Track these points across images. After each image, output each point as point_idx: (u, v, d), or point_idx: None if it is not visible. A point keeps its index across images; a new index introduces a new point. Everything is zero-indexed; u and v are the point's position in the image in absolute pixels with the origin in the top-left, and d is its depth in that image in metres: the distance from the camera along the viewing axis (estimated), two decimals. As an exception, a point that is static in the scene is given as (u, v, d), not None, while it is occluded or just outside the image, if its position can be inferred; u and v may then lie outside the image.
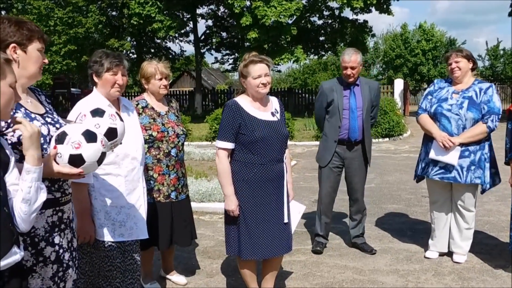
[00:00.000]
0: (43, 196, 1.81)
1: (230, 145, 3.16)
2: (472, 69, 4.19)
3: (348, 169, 4.57)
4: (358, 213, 4.68)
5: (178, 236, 3.65)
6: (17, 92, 1.78)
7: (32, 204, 1.75)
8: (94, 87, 2.96)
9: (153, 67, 3.56)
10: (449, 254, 4.36)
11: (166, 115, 3.63)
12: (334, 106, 4.46)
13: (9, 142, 1.90)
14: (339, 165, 4.56)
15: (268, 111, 3.25)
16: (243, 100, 3.21)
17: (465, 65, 4.12)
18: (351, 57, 4.36)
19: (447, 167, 4.05)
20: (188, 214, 3.79)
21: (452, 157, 3.98)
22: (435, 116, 4.14)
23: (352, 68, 4.37)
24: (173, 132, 3.58)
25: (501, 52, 33.54)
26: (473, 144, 4.01)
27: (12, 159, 1.76)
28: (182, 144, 3.68)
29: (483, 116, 4.01)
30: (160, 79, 3.56)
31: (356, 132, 4.45)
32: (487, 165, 4.06)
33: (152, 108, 3.59)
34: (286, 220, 3.27)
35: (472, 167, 4.01)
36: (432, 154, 4.07)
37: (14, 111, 1.92)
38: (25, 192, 1.73)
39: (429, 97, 4.28)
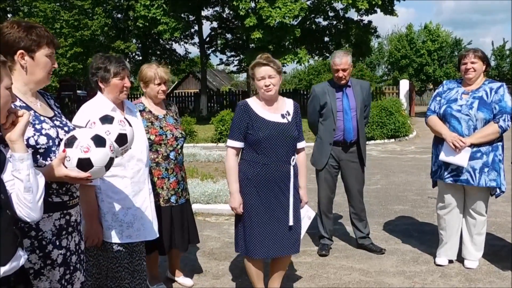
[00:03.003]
0: (42, 180, 1.80)
1: (238, 144, 3.22)
2: (485, 71, 4.10)
3: (345, 170, 4.58)
4: (358, 215, 4.67)
5: (177, 240, 3.62)
6: (13, 93, 1.78)
7: (35, 191, 1.74)
8: (99, 91, 2.97)
9: (153, 71, 3.50)
10: (459, 259, 4.28)
11: (164, 118, 3.60)
12: (328, 109, 4.47)
13: None
14: (335, 166, 4.58)
15: (278, 113, 3.27)
16: (253, 101, 3.28)
17: (480, 67, 4.02)
18: (342, 59, 4.37)
19: (459, 169, 3.95)
20: (188, 218, 3.74)
21: (462, 159, 3.87)
22: (444, 118, 4.06)
23: (344, 70, 4.38)
24: (171, 135, 3.55)
25: (507, 52, 33.39)
26: (485, 145, 3.91)
27: (7, 157, 1.75)
28: (181, 147, 3.66)
29: (494, 116, 3.91)
30: (159, 84, 3.51)
31: (351, 133, 4.47)
32: (502, 166, 3.96)
33: (150, 111, 3.55)
34: (291, 223, 3.26)
35: (486, 169, 3.90)
36: (442, 156, 3.98)
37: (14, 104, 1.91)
38: (25, 180, 1.71)
39: (438, 98, 4.20)
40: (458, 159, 3.90)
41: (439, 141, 4.11)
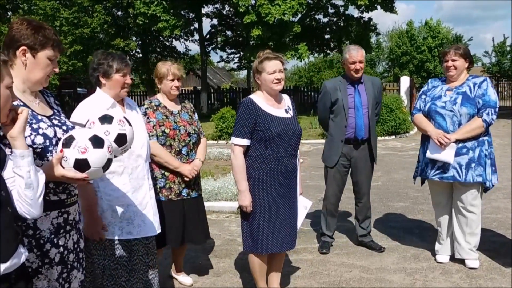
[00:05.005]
0: (42, 177, 1.80)
1: (245, 142, 3.21)
2: (468, 68, 4.10)
3: (355, 168, 4.54)
4: (364, 212, 4.66)
5: (191, 234, 3.66)
6: (13, 92, 1.78)
7: (35, 188, 1.74)
8: (98, 87, 2.97)
9: (166, 67, 3.62)
10: (460, 259, 4.20)
11: (178, 114, 3.68)
12: (339, 106, 4.42)
13: None
14: (346, 165, 4.53)
15: (282, 108, 3.31)
16: (258, 98, 3.27)
17: (462, 64, 4.03)
18: (358, 52, 4.37)
19: (445, 166, 3.95)
20: (201, 212, 3.79)
21: (447, 155, 3.89)
22: (429, 115, 4.08)
23: (361, 62, 4.37)
24: (184, 131, 3.62)
25: (508, 48, 33.27)
26: (471, 140, 3.91)
27: (7, 154, 1.75)
28: (194, 144, 3.70)
29: (478, 111, 3.91)
30: (172, 80, 3.62)
31: (362, 130, 4.43)
32: (488, 162, 3.95)
33: (165, 107, 3.65)
34: (298, 215, 3.38)
35: (472, 165, 3.90)
36: (429, 153, 3.99)
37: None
38: (26, 177, 1.72)
39: (423, 96, 4.21)
40: (444, 155, 3.91)
41: (426, 139, 4.12)
